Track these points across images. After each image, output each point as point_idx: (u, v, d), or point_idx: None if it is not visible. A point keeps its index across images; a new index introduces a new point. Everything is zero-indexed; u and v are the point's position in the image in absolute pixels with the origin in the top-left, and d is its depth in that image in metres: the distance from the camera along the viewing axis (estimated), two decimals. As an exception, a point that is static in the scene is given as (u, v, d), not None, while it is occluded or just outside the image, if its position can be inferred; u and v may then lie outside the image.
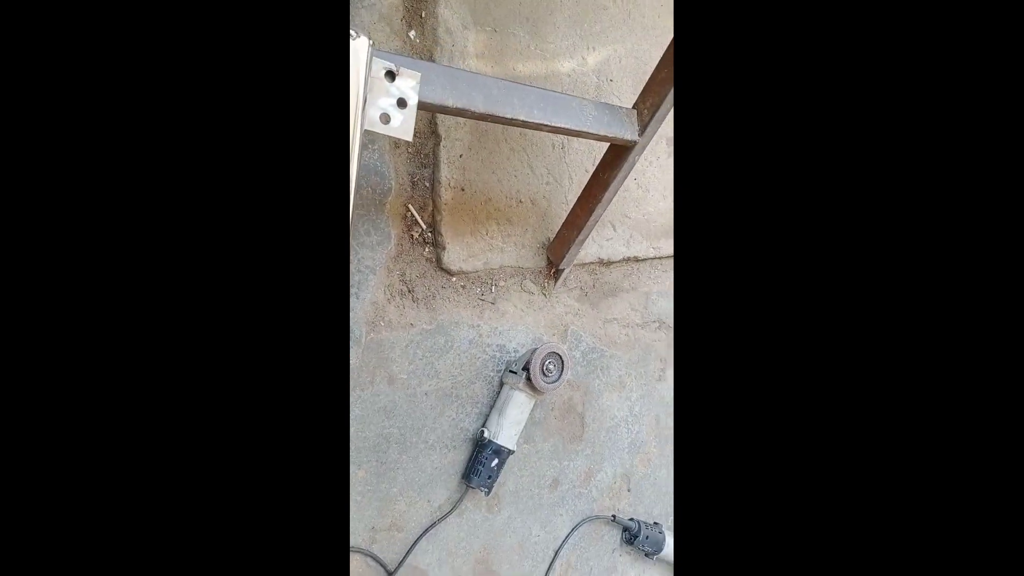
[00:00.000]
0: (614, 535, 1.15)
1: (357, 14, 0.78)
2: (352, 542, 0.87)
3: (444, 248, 0.88)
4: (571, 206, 0.93)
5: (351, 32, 0.50)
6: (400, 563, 0.91)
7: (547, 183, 0.97)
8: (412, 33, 0.82)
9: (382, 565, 0.89)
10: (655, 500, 1.20)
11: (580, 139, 0.96)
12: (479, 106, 0.66)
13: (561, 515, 1.08)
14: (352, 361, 0.83)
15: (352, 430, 0.85)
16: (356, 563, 0.88)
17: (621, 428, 1.14)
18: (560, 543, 1.08)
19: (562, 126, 0.73)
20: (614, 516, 1.13)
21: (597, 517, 1.12)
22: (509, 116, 0.68)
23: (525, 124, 0.70)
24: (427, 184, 0.87)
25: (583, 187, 0.89)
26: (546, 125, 0.72)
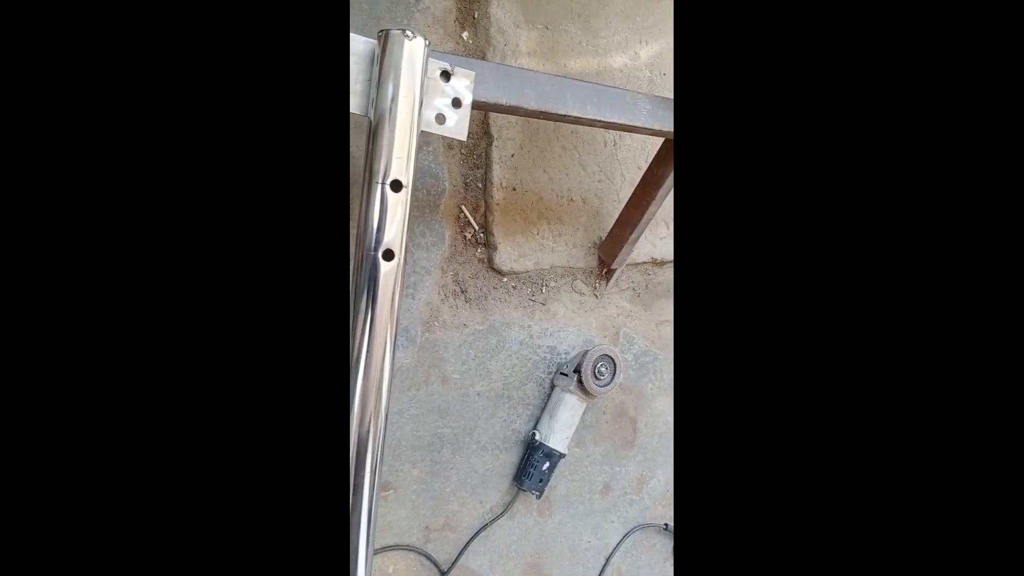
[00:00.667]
0: (666, 544, 1.12)
1: (412, 18, 0.79)
2: (407, 541, 0.88)
3: (496, 248, 0.87)
4: (623, 204, 0.90)
5: (407, 33, 0.50)
6: (453, 563, 0.91)
7: (599, 181, 0.95)
8: (465, 34, 0.83)
9: (435, 564, 0.90)
10: (711, 509, 1.16)
11: (632, 135, 0.94)
12: (532, 103, 0.65)
13: (612, 522, 1.05)
14: (407, 361, 0.84)
15: (407, 429, 0.86)
16: (410, 562, 0.89)
17: (675, 433, 1.10)
18: (611, 550, 1.05)
19: (615, 121, 0.71)
20: (666, 525, 1.09)
21: (649, 525, 1.09)
22: (562, 112, 0.67)
23: (578, 120, 0.69)
24: (479, 185, 0.87)
25: (635, 184, 0.87)
26: (599, 121, 0.70)
